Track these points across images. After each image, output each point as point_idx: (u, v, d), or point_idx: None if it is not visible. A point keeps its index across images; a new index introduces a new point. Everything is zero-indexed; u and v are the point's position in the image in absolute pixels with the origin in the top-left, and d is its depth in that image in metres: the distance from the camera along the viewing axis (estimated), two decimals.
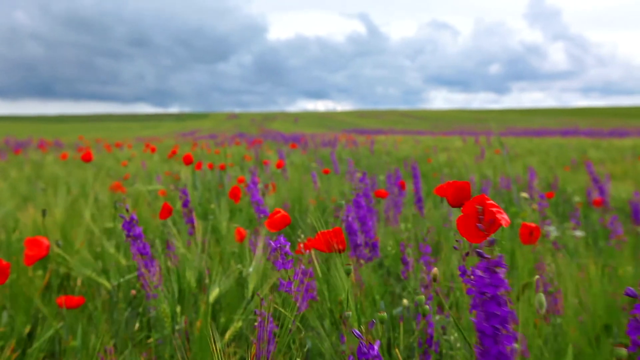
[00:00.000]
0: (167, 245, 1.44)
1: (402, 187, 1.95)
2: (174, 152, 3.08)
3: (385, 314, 0.67)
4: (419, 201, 1.94)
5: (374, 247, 1.18)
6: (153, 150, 4.02)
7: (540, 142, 8.26)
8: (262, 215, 1.19)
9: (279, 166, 2.83)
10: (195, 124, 49.32)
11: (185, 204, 1.44)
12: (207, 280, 0.99)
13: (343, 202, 1.20)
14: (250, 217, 1.63)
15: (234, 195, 1.56)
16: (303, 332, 0.85)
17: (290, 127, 34.86)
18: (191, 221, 1.42)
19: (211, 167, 2.66)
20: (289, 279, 0.69)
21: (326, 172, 2.75)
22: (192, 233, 1.42)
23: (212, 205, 1.70)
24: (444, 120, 55.13)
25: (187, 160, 2.22)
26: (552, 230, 1.73)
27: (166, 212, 1.34)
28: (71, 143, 9.98)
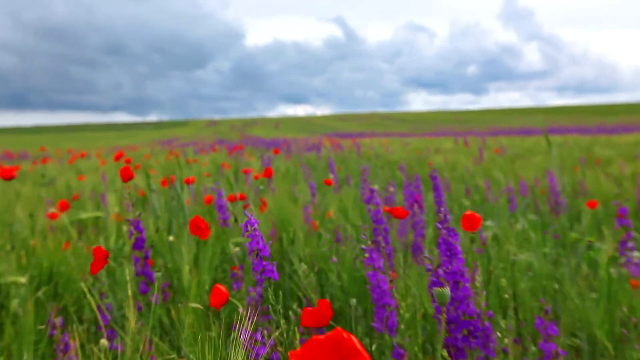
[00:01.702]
0: (100, 313, 0.97)
1: (419, 202, 1.49)
2: (126, 160, 2.58)
3: None
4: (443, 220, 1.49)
5: (474, 334, 0.69)
6: (127, 160, 3.52)
7: (535, 140, 7.90)
8: (268, 277, 0.72)
9: (266, 175, 2.35)
10: (174, 132, 48.62)
11: (138, 245, 0.95)
12: None
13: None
14: (223, 252, 1.17)
15: (197, 228, 1.08)
16: None
17: (271, 133, 34.41)
18: (148, 274, 0.94)
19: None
20: None
21: (328, 184, 2.28)
22: (146, 291, 0.94)
23: (171, 237, 1.23)
24: (424, 121, 55.24)
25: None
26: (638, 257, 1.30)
27: (100, 261, 0.86)
28: (40, 155, 9.36)
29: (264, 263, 0.71)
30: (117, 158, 2.80)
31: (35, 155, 8.91)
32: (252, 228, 0.71)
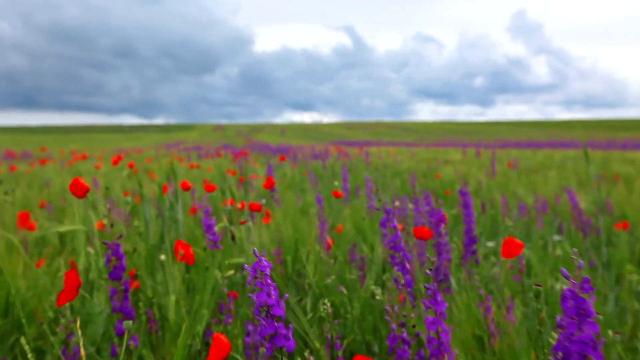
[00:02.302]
0: None
1: (444, 222, 1.33)
2: (131, 165, 2.43)
3: None
4: (470, 242, 1.33)
5: None
6: (129, 165, 3.37)
7: (547, 154, 7.71)
8: (280, 347, 0.54)
9: (267, 186, 2.16)
10: (181, 136, 48.69)
11: (116, 274, 0.77)
12: None
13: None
14: (218, 282, 1.01)
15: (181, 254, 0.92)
16: None
17: (277, 139, 34.34)
18: (127, 311, 0.76)
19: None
20: None
21: (338, 196, 2.09)
22: (123, 332, 0.77)
23: (163, 256, 1.08)
24: (431, 132, 55.13)
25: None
26: None
27: (70, 291, 0.70)
28: (42, 155, 9.25)
29: (276, 325, 0.53)
30: (116, 162, 2.66)
31: (37, 155, 8.79)
32: (263, 274, 0.53)
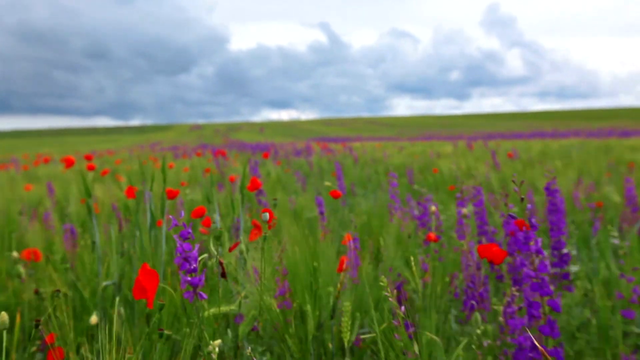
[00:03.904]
0: None
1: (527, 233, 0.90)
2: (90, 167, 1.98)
3: None
4: (561, 262, 0.92)
5: None
6: (89, 167, 2.88)
7: (544, 144, 7.40)
8: None
9: (252, 187, 1.68)
10: (157, 136, 47.80)
11: None
12: None
13: None
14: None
15: (141, 289, 0.51)
16: None
17: (255, 137, 33.82)
18: None
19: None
20: None
21: (337, 196, 1.67)
22: None
23: (94, 319, 0.65)
24: (409, 126, 55.12)
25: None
26: None
27: None
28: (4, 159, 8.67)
29: None
30: (69, 164, 2.19)
31: (2, 160, 8.21)
32: None
